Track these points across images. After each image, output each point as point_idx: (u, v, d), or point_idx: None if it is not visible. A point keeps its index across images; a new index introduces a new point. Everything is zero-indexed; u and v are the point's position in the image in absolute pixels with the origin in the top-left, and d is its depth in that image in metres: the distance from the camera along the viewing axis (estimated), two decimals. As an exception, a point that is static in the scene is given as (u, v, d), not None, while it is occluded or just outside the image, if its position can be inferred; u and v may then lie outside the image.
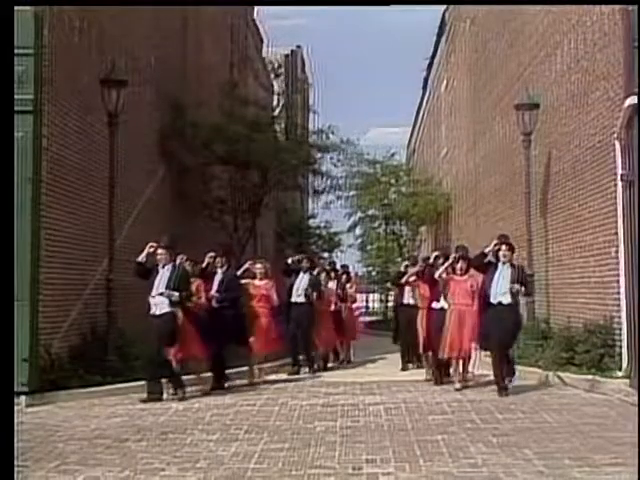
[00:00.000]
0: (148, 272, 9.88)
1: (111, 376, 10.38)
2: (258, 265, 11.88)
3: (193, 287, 10.39)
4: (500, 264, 10.05)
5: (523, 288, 10.03)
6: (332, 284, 14.03)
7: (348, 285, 14.83)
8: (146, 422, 8.37)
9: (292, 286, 12.89)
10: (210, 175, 18.28)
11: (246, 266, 11.89)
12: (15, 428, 6.77)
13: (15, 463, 5.85)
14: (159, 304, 9.64)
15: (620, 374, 10.25)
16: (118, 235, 12.13)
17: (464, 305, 10.47)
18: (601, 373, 10.43)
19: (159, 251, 9.81)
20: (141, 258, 9.91)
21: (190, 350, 10.30)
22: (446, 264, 10.71)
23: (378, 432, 7.60)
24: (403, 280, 12.76)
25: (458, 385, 10.46)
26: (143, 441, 7.35)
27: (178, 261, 10.30)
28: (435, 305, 11.05)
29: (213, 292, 10.84)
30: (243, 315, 11.31)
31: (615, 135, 10.72)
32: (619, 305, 10.56)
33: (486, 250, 10.27)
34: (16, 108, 8.80)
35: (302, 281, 12.87)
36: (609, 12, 11.10)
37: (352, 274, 17.21)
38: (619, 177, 10.64)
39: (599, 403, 9.15)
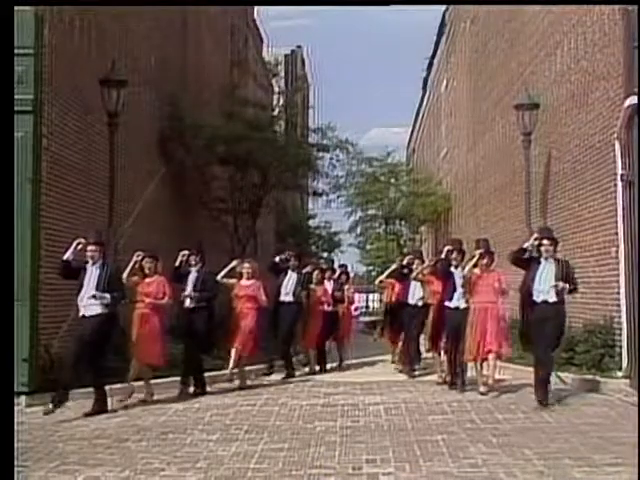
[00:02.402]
0: (75, 271, 9.04)
1: (111, 376, 10.35)
2: (246, 265, 11.33)
3: (153, 286, 9.81)
4: (543, 259, 9.21)
5: (567, 285, 9.06)
6: (328, 284, 13.59)
7: (346, 286, 14.25)
8: (146, 422, 8.37)
9: (280, 285, 12.41)
10: (210, 175, 18.27)
11: (233, 265, 11.36)
12: (15, 428, 6.78)
13: (15, 463, 5.86)
14: (91, 305, 8.85)
15: (620, 374, 10.26)
16: (119, 237, 12.09)
17: (489, 303, 9.95)
18: (601, 373, 10.43)
19: (89, 248, 8.99)
20: (67, 256, 9.03)
21: (150, 355, 9.68)
22: (474, 260, 10.07)
23: (378, 432, 7.60)
24: (412, 275, 11.92)
25: (483, 389, 9.90)
26: (143, 441, 7.35)
27: (135, 258, 9.76)
28: (449, 304, 10.44)
29: (187, 292, 10.37)
30: (222, 316, 10.88)
31: (615, 135, 10.72)
32: (619, 305, 10.57)
33: (525, 245, 9.43)
34: (16, 108, 8.81)
35: (290, 280, 12.45)
36: (609, 12, 11.11)
37: (351, 274, 16.88)
38: (619, 177, 10.65)
39: (599, 403, 9.15)
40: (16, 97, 8.90)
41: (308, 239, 36.21)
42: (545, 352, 9.05)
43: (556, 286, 8.98)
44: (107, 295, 8.86)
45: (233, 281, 11.16)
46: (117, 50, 12.84)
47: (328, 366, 13.59)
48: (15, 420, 7.17)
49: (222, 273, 11.05)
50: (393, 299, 13.29)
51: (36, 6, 9.91)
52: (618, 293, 10.58)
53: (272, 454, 6.67)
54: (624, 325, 10.42)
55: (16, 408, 8.33)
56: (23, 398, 9.24)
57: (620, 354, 10.51)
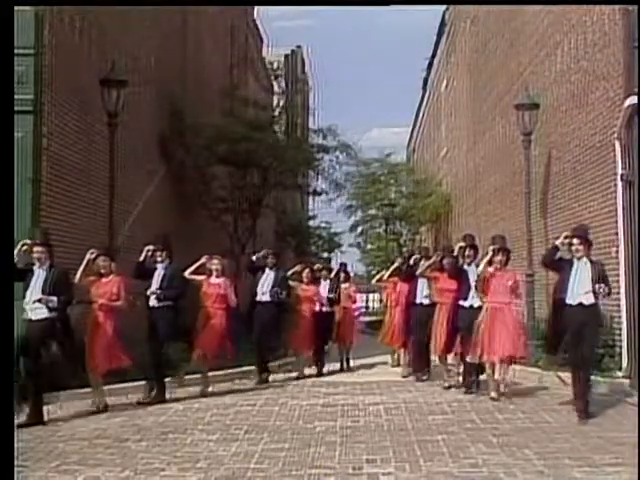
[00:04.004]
0: (20, 273, 8.45)
1: (111, 376, 10.34)
2: (214, 261, 10.68)
3: (108, 287, 9.23)
4: (575, 260, 8.57)
5: (607, 288, 8.46)
6: (324, 283, 13.14)
7: (346, 285, 13.89)
8: (146, 422, 8.36)
9: (257, 284, 11.73)
10: (210, 175, 18.28)
11: (202, 261, 10.66)
12: (15, 428, 6.78)
13: (15, 463, 5.85)
14: (36, 309, 8.37)
15: (620, 374, 10.25)
16: (119, 237, 12.08)
17: (503, 303, 9.62)
18: (601, 373, 10.41)
19: (35, 249, 8.49)
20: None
21: (109, 359, 9.14)
22: (487, 257, 9.69)
23: (378, 432, 7.59)
24: (418, 272, 11.37)
25: (494, 394, 9.45)
26: (143, 441, 7.35)
27: (88, 256, 9.29)
28: (463, 303, 10.05)
29: (153, 289, 9.79)
30: (189, 315, 10.35)
31: (615, 135, 10.73)
32: (619, 305, 10.56)
33: (557, 242, 8.87)
34: (16, 108, 8.81)
35: (267, 278, 11.73)
36: (609, 12, 11.11)
37: (351, 274, 16.58)
38: (619, 177, 10.65)
39: (599, 403, 9.13)
40: (16, 97, 8.90)
41: (308, 239, 36.22)
42: (584, 358, 8.47)
43: (599, 288, 8.44)
44: (54, 298, 8.38)
45: (201, 278, 10.60)
46: (117, 50, 12.85)
47: (330, 368, 13.23)
48: (15, 420, 7.16)
49: (190, 269, 10.50)
50: (400, 299, 12.66)
51: (36, 6, 9.93)
52: (618, 293, 10.56)
53: (272, 454, 6.67)
54: (624, 325, 10.42)
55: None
56: (23, 398, 9.22)
57: (620, 354, 10.50)
